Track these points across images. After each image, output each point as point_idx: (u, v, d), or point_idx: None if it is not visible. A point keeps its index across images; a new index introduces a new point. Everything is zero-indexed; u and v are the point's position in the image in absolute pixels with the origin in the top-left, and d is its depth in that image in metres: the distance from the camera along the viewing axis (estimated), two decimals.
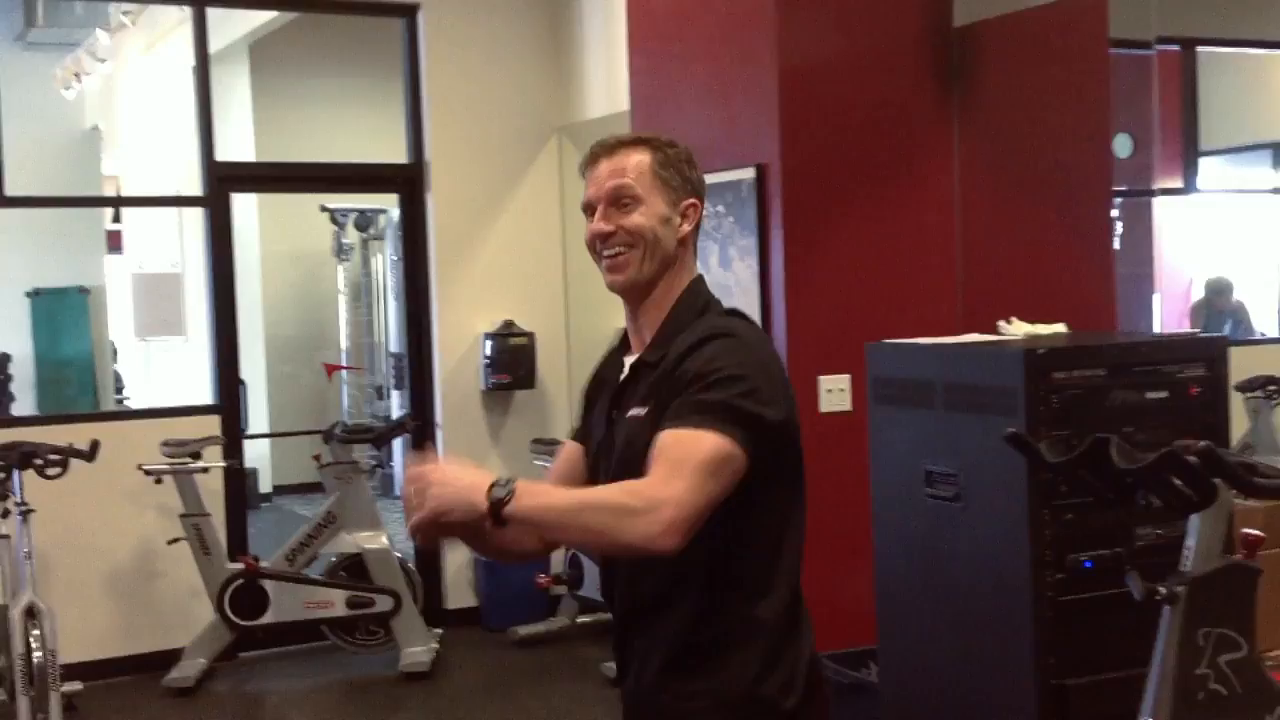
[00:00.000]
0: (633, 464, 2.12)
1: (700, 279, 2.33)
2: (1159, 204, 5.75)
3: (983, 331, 4.00)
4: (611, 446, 2.27)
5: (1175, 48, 7.95)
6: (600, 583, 2.50)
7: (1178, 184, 7.49)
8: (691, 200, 2.28)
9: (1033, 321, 3.82)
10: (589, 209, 2.28)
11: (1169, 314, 7.19)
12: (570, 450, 2.46)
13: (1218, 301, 9.33)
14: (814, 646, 2.33)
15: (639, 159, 2.25)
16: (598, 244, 2.26)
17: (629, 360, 2.31)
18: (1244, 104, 8.43)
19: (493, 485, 1.96)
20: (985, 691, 3.49)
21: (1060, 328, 3.81)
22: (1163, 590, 2.70)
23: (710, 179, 4.92)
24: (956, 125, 4.97)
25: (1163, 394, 3.40)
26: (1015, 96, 5.00)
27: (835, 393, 4.76)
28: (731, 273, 4.91)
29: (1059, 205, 5.08)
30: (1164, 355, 3.41)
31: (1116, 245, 5.05)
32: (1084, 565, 3.32)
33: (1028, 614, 3.30)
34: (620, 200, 2.23)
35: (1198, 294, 9.19)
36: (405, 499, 2.03)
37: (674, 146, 2.29)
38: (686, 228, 2.27)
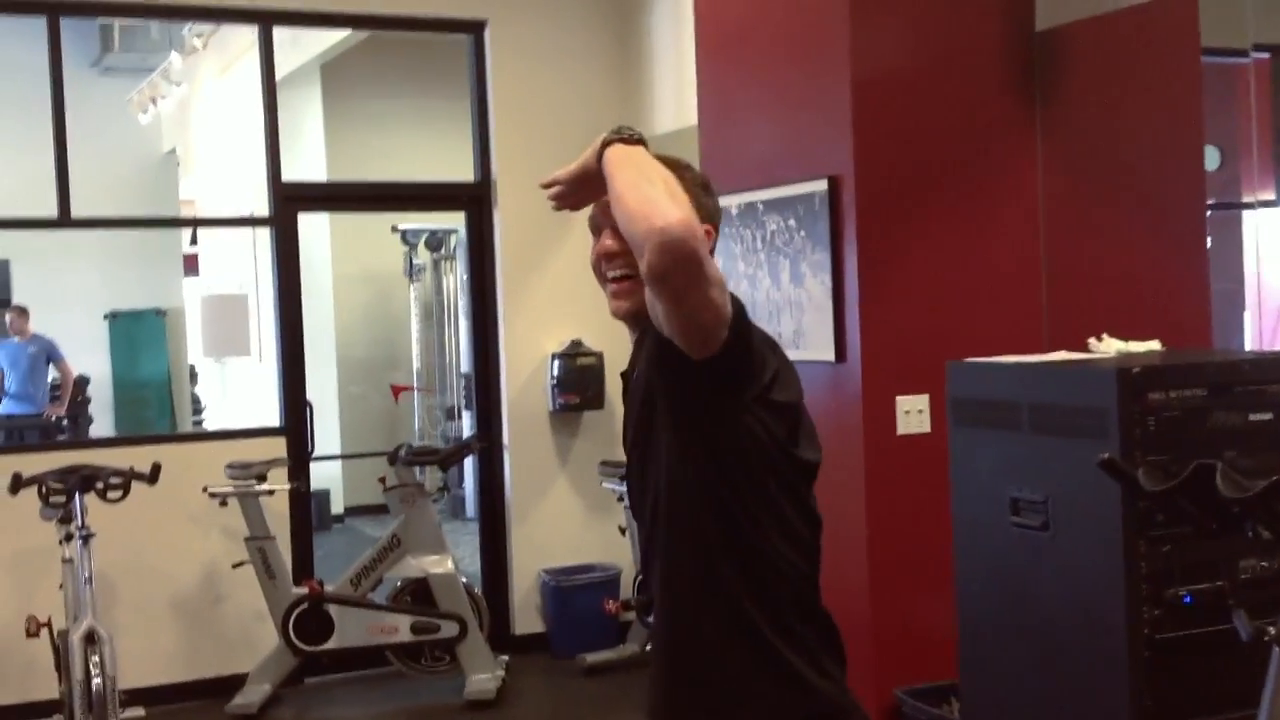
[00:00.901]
0: (629, 429, 2.19)
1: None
2: (1249, 218, 5.48)
3: (1071, 349, 3.79)
4: (628, 431, 2.24)
5: (1265, 55, 7.69)
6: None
7: (1269, 196, 7.20)
8: (705, 226, 2.10)
9: (1125, 339, 3.60)
10: (595, 229, 2.19)
11: (1262, 333, 6.86)
12: None
13: None
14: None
15: None
16: (603, 264, 2.17)
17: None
18: None
19: (609, 135, 2.03)
20: None
21: (1155, 345, 3.59)
22: (1272, 630, 2.48)
23: (780, 192, 4.81)
24: (1039, 134, 4.75)
25: (1267, 415, 3.17)
26: (1101, 104, 4.77)
27: (913, 414, 4.56)
28: (804, 289, 4.73)
29: (1149, 217, 4.84)
30: (1269, 374, 3.18)
31: None
32: (1184, 600, 3.09)
33: (1122, 652, 3.08)
34: None
35: None
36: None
37: (690, 170, 2.17)
38: None
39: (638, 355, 2.20)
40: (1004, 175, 4.73)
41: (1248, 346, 5.18)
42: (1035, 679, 3.37)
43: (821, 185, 4.61)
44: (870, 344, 4.53)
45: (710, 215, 2.18)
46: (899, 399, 4.55)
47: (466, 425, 10.78)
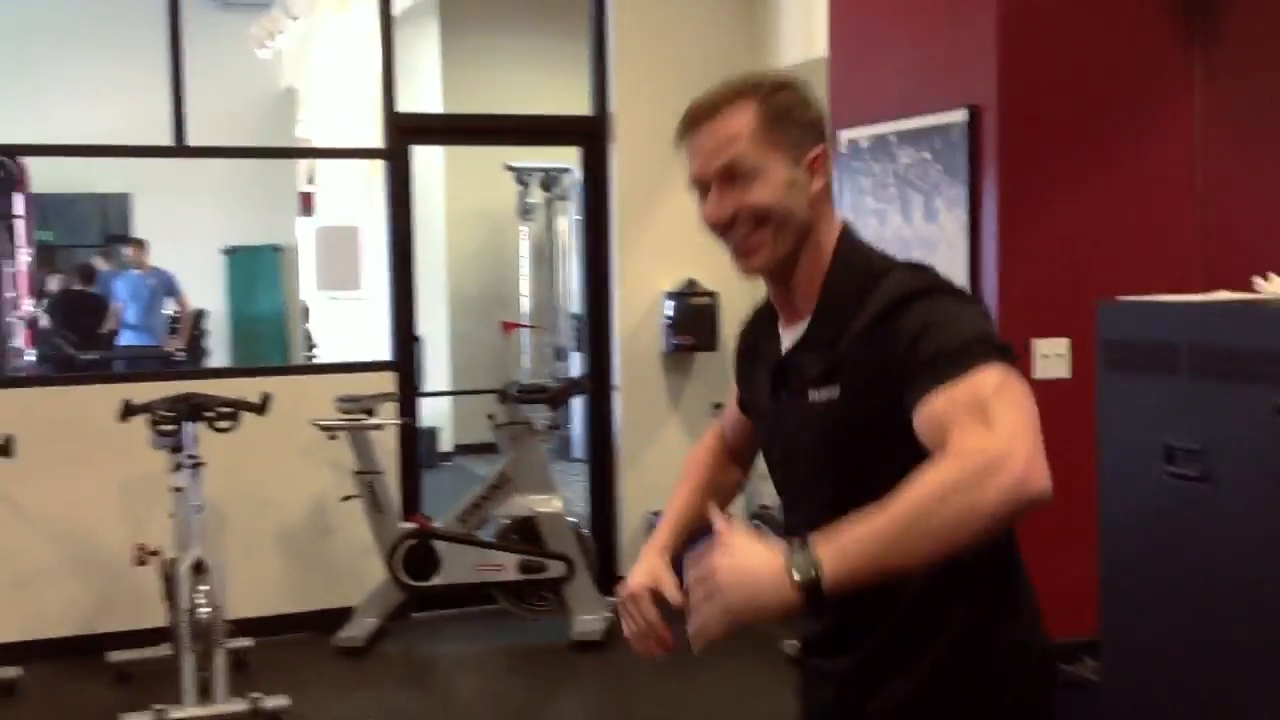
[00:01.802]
0: (815, 454, 1.90)
1: (848, 230, 1.96)
2: None
3: (1229, 289, 3.51)
4: (782, 433, 1.95)
5: None
6: None
7: None
8: (816, 150, 1.90)
9: None
10: (699, 185, 1.93)
11: None
12: (736, 417, 2.22)
13: None
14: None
15: (743, 119, 1.88)
16: (718, 230, 1.93)
17: (786, 334, 1.97)
18: None
19: (792, 568, 1.56)
20: (1233, 702, 3.02)
21: None
22: None
23: (916, 123, 4.55)
24: (1198, 62, 4.43)
25: None
26: (1264, 30, 4.45)
27: (1052, 358, 4.30)
28: (938, 225, 4.49)
29: None
30: None
31: None
32: None
33: None
34: (734, 177, 1.88)
35: None
36: (689, 598, 1.68)
37: (783, 89, 1.92)
38: (818, 184, 1.90)
39: (800, 369, 1.93)
40: (1158, 106, 4.42)
41: None
42: (1188, 640, 3.13)
43: (961, 115, 4.35)
44: (1008, 283, 4.28)
45: (819, 133, 1.92)
46: (1036, 342, 4.30)
47: (575, 366, 10.70)
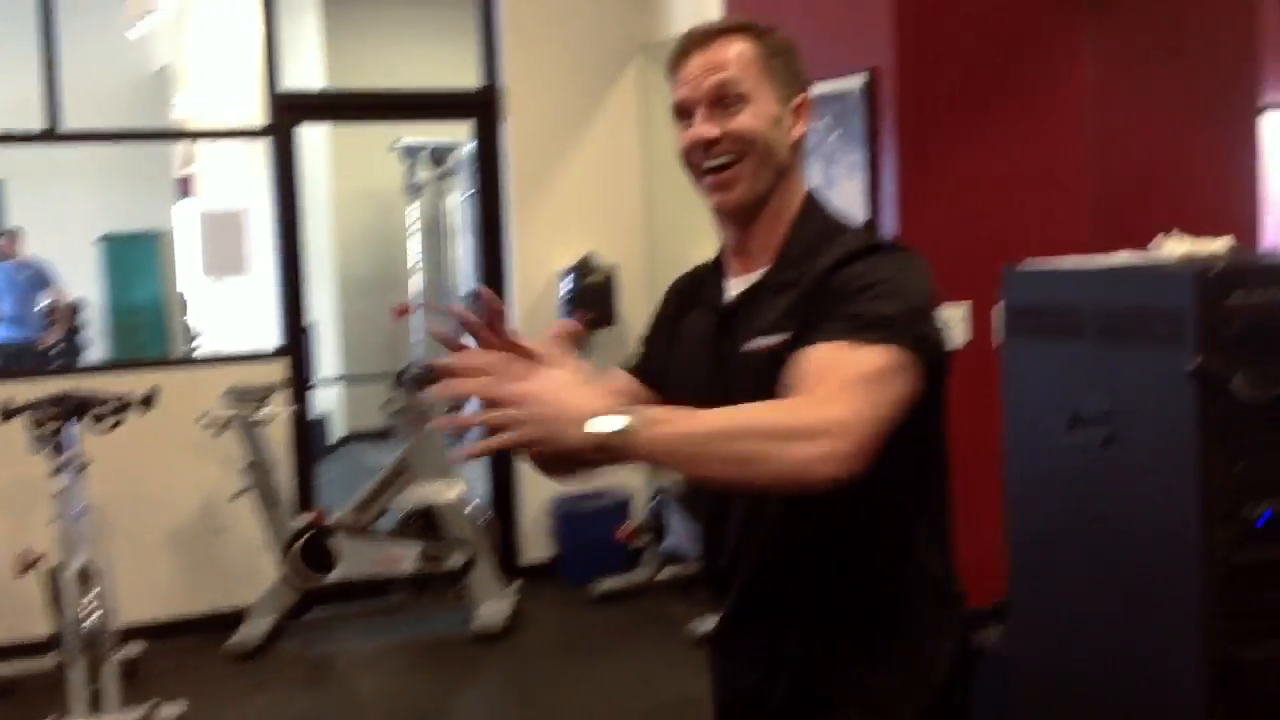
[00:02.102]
0: (751, 397, 1.74)
1: (814, 189, 1.98)
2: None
3: (1126, 250, 3.48)
4: (724, 386, 1.85)
5: None
6: (704, 553, 2.06)
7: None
8: (802, 96, 1.91)
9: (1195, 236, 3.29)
10: (683, 112, 1.89)
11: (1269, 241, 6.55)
12: (622, 383, 2.07)
13: None
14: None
15: (741, 48, 1.87)
16: (697, 154, 1.87)
17: (735, 283, 1.93)
18: None
19: (609, 415, 1.55)
20: (1140, 663, 3.00)
21: (1225, 243, 3.28)
22: None
23: (815, 90, 4.47)
24: (1089, 24, 4.41)
25: None
26: None
27: (953, 323, 4.27)
28: (837, 190, 4.42)
29: (1201, 114, 4.55)
30: None
31: None
32: (1260, 520, 2.82)
33: (1195, 575, 2.81)
34: (724, 99, 1.85)
35: None
36: (480, 407, 1.60)
37: (777, 32, 1.93)
38: (800, 129, 1.91)
39: (750, 316, 1.89)
40: (1052, 73, 4.40)
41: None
42: (1095, 604, 3.11)
43: (858, 80, 4.29)
44: None
45: (804, 81, 1.95)
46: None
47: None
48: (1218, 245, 3.30)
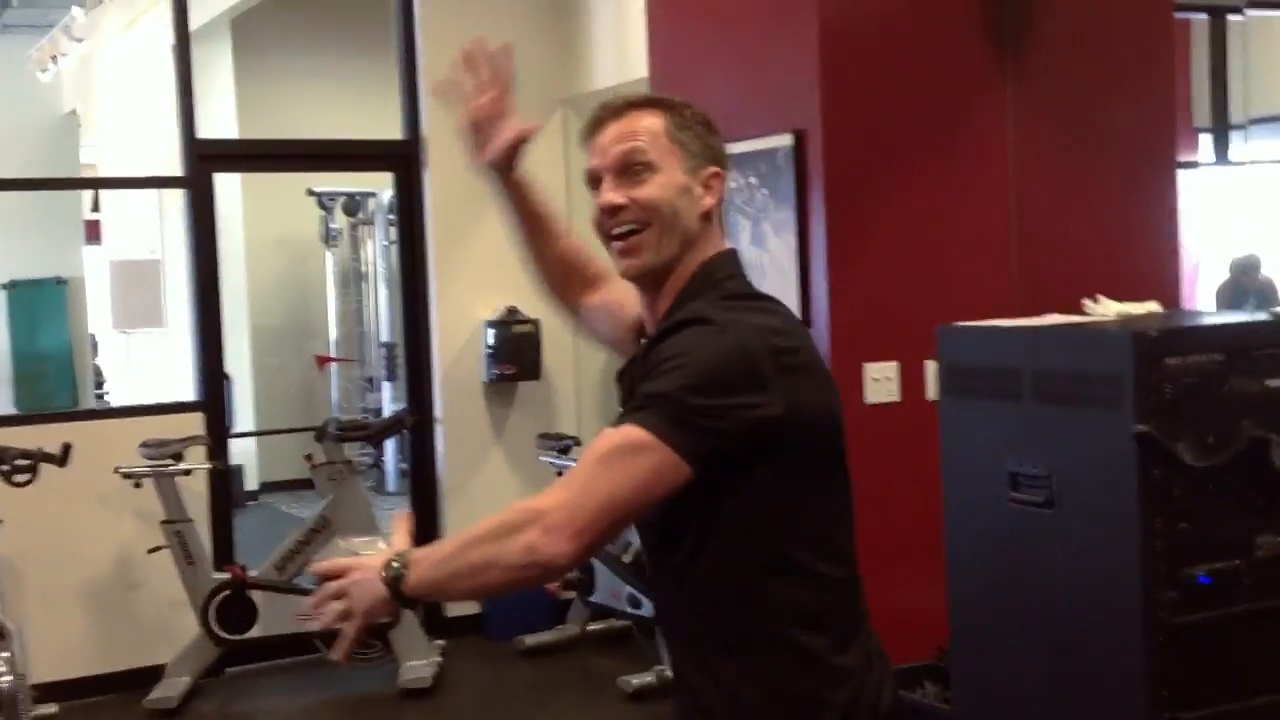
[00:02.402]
0: None
1: (726, 255, 1.98)
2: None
3: (1041, 312, 3.54)
4: None
5: (1202, 15, 7.57)
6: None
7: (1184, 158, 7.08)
8: (713, 169, 1.94)
9: (1119, 299, 3.37)
10: (594, 180, 1.94)
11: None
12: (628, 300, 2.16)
13: (1244, 280, 8.95)
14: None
15: (651, 121, 1.92)
16: (605, 220, 1.92)
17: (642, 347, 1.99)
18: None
19: (386, 564, 1.78)
20: None
21: (1154, 306, 3.37)
22: None
23: (742, 147, 4.49)
24: (1010, 89, 4.51)
25: None
26: (1072, 56, 4.57)
27: (882, 382, 4.31)
28: (766, 251, 4.46)
29: (1121, 174, 4.67)
30: None
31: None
32: (1200, 580, 2.87)
33: (1138, 638, 2.85)
34: (631, 168, 1.90)
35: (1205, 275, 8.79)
36: (318, 603, 1.85)
37: (690, 108, 1.97)
38: (709, 200, 1.94)
39: (626, 383, 1.96)
40: (975, 131, 4.48)
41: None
42: (1037, 665, 3.14)
43: (786, 139, 4.34)
44: (838, 308, 4.28)
45: (718, 156, 1.98)
46: (866, 366, 4.31)
47: (387, 397, 10.43)
48: (1148, 307, 3.39)
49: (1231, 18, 7.71)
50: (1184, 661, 2.86)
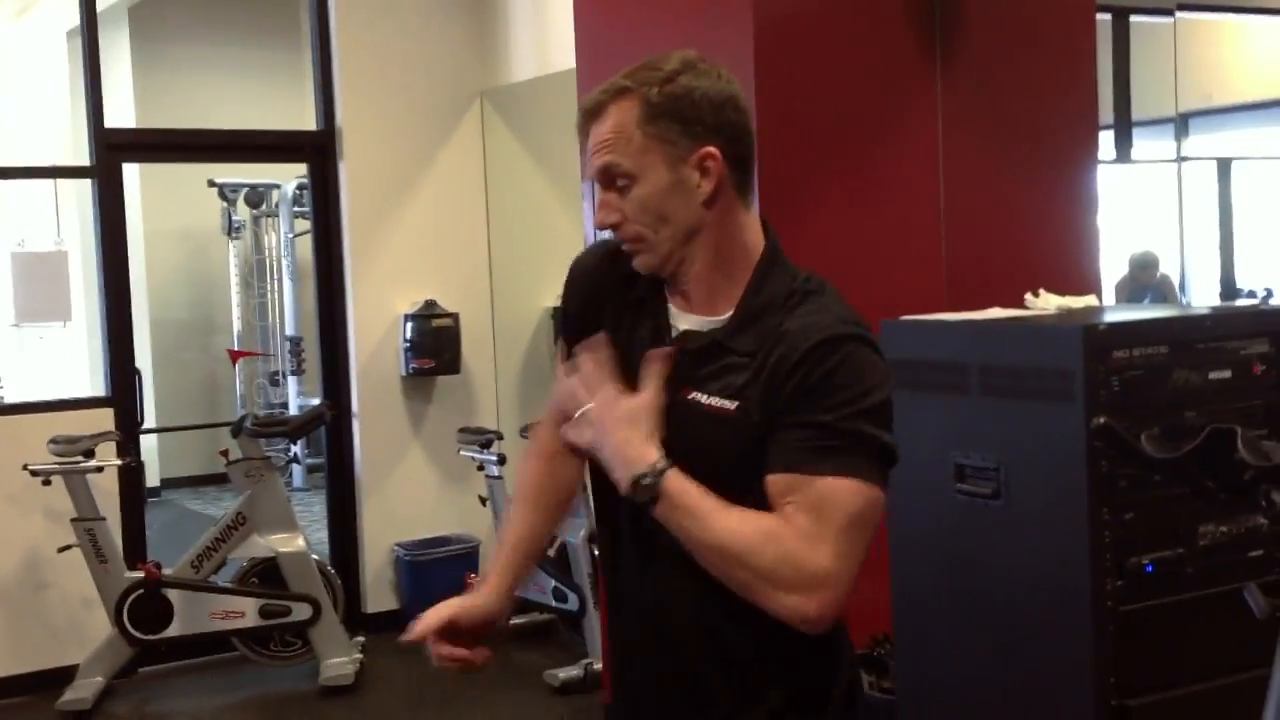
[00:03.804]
0: (707, 462, 1.77)
1: (776, 250, 1.95)
2: None
3: (973, 308, 3.58)
4: (670, 428, 1.82)
5: (1106, 15, 7.76)
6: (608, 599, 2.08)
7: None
8: (707, 148, 1.81)
9: (1061, 293, 3.43)
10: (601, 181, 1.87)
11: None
12: (561, 360, 2.03)
13: (1141, 276, 9.17)
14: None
15: (619, 118, 1.81)
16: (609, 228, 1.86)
17: (681, 315, 1.89)
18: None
19: (637, 476, 1.74)
20: (1029, 713, 3.09)
21: (1092, 300, 3.44)
22: None
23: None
24: (939, 82, 4.56)
25: (1226, 374, 3.02)
26: (999, 53, 4.64)
27: None
28: None
29: (1046, 169, 4.75)
30: (1231, 330, 3.03)
31: None
32: (1145, 569, 2.94)
33: (1085, 626, 2.90)
34: (614, 180, 1.82)
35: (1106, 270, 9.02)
36: (563, 401, 1.86)
37: (671, 80, 1.82)
38: (707, 186, 1.82)
39: (700, 368, 1.85)
40: (904, 129, 4.52)
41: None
42: (983, 655, 3.18)
43: None
44: None
45: (710, 129, 1.82)
46: None
47: (293, 392, 10.27)
48: (1088, 301, 3.45)
49: (1134, 19, 7.92)
50: (1131, 649, 2.92)
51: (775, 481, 1.74)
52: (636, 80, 1.82)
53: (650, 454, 1.75)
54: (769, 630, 1.78)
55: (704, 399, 1.81)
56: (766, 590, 1.71)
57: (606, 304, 1.97)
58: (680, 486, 1.73)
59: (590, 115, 1.84)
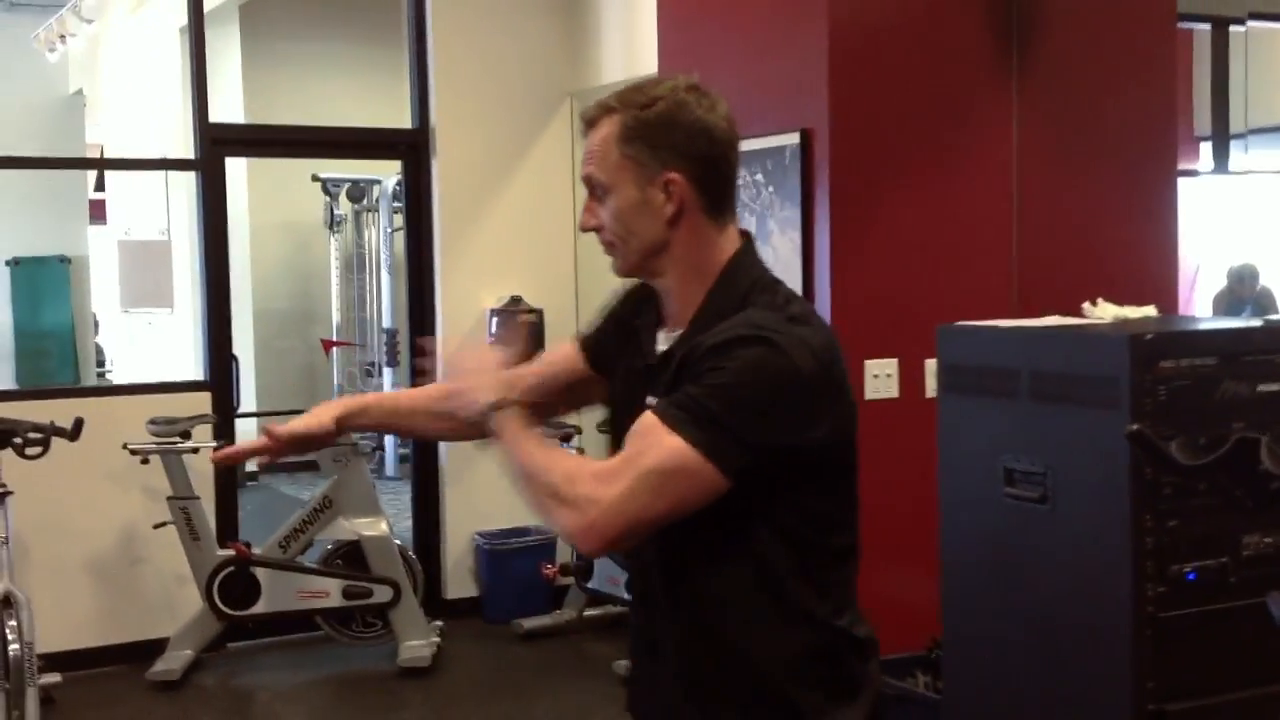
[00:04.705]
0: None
1: (744, 251, 2.01)
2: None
3: (1042, 313, 3.64)
4: (626, 426, 1.96)
5: (1205, 25, 7.67)
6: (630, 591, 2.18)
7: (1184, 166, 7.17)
8: (670, 174, 1.92)
9: (1119, 303, 3.47)
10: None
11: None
12: (567, 352, 2.24)
13: (1240, 289, 9.05)
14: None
15: (603, 134, 1.95)
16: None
17: (662, 336, 2.03)
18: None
19: (486, 409, 1.94)
20: (1070, 714, 3.14)
21: (1151, 310, 3.46)
22: None
23: (749, 145, 4.58)
24: (1015, 93, 4.60)
25: (1275, 386, 3.04)
26: (1076, 63, 4.66)
27: (882, 378, 4.41)
28: (770, 247, 4.55)
29: (1122, 180, 4.76)
30: (1278, 343, 3.05)
31: None
32: (1188, 577, 2.97)
33: (1126, 631, 2.95)
34: (594, 190, 1.97)
35: (1204, 282, 8.89)
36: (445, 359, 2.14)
37: (650, 105, 1.93)
38: (670, 209, 1.93)
39: (658, 376, 1.97)
40: (979, 134, 4.57)
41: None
42: (1028, 657, 3.24)
43: (793, 138, 4.43)
44: (840, 305, 4.37)
45: (677, 155, 1.93)
46: (867, 363, 4.40)
47: (388, 382, 10.52)
48: (1145, 311, 3.48)
49: (1234, 28, 7.81)
50: (1170, 654, 2.95)
51: (637, 420, 1.87)
52: (622, 102, 1.95)
53: (487, 396, 1.94)
54: (744, 666, 1.92)
55: (650, 401, 1.92)
56: (547, 505, 1.86)
57: (629, 339, 2.11)
58: (508, 424, 1.92)
59: (586, 125, 2.00)
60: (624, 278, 2.06)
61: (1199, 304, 8.67)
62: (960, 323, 3.48)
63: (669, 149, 1.92)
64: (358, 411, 2.31)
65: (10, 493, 5.01)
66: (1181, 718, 2.95)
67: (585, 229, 2.02)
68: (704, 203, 1.95)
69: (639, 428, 1.84)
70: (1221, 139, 8.07)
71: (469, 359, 2.07)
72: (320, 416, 2.25)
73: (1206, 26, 7.62)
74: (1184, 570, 2.96)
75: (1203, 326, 3.30)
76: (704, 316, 1.94)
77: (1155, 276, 4.74)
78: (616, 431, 2.06)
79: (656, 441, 1.81)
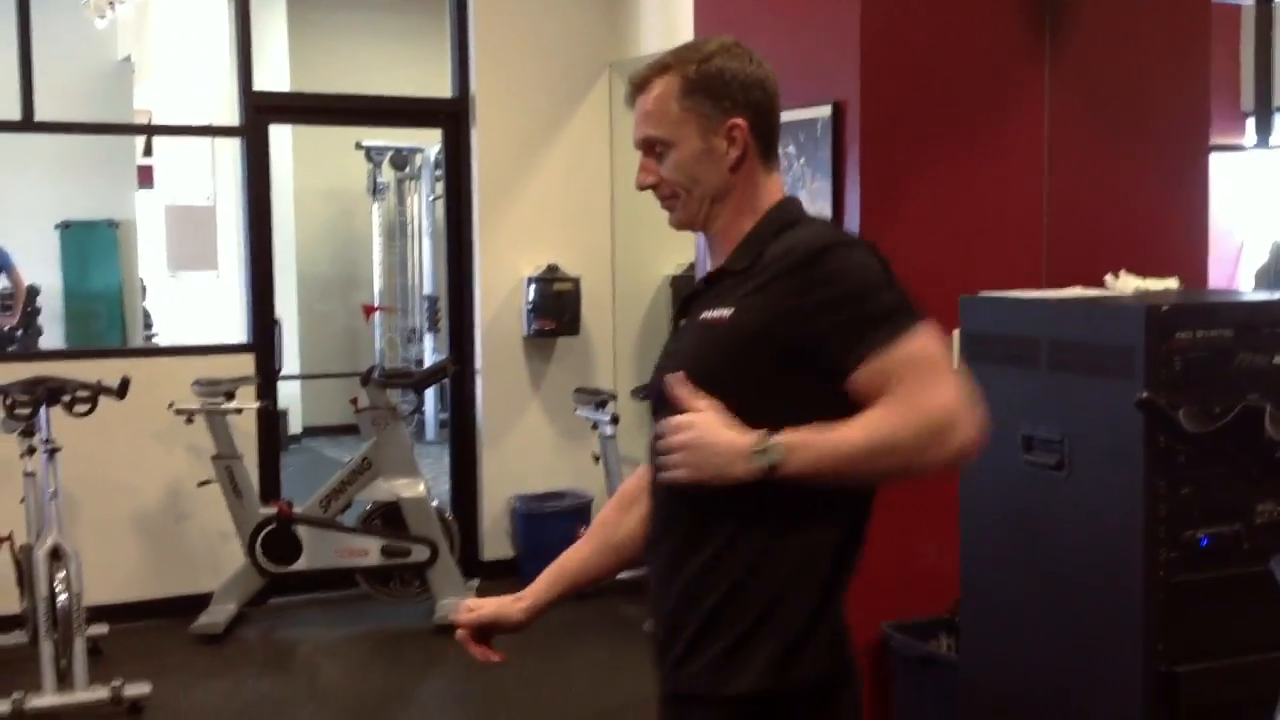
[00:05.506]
0: (700, 366, 1.95)
1: (791, 201, 2.11)
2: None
3: (1073, 285, 3.70)
4: (671, 353, 2.07)
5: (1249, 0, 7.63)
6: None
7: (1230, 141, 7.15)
8: (735, 120, 2.02)
9: (1143, 276, 3.53)
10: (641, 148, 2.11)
11: (1217, 278, 6.83)
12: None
13: None
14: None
15: (660, 92, 2.03)
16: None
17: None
18: None
19: (754, 452, 1.83)
20: (1083, 675, 3.22)
21: (1172, 283, 3.52)
22: None
23: (782, 117, 4.66)
24: (1048, 66, 4.64)
25: None
26: (1110, 37, 4.68)
27: None
28: None
29: (1153, 155, 4.78)
30: None
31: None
32: (1201, 543, 3.04)
33: (1138, 594, 3.02)
34: (653, 149, 2.04)
35: (1248, 256, 8.85)
36: (660, 445, 1.91)
37: (707, 60, 2.03)
38: (734, 154, 2.03)
39: (706, 296, 2.04)
40: (1012, 106, 4.61)
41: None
42: (1042, 618, 3.32)
43: (825, 111, 4.48)
44: None
45: (738, 104, 2.02)
46: None
47: (429, 348, 10.66)
48: (1167, 284, 3.54)
49: (1277, 3, 7.77)
50: (1181, 618, 3.03)
51: (857, 380, 1.87)
52: (678, 58, 2.05)
53: (749, 437, 1.84)
54: (736, 582, 1.97)
55: (708, 314, 2.01)
56: (916, 459, 1.83)
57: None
58: (793, 438, 1.84)
59: (637, 89, 2.07)
60: (680, 229, 2.12)
61: (1243, 279, 8.65)
62: (982, 293, 3.54)
63: (730, 99, 2.02)
64: (556, 596, 2.42)
65: (59, 449, 5.16)
66: (1191, 679, 3.02)
67: (642, 187, 2.08)
68: (759, 148, 2.06)
69: (885, 364, 1.85)
70: (1264, 114, 8.04)
71: (694, 431, 1.88)
72: (523, 614, 2.41)
73: (1251, 1, 7.59)
74: (1197, 536, 3.03)
75: (1219, 299, 3.35)
76: (750, 241, 2.04)
77: (1184, 251, 4.77)
78: (657, 370, 2.07)
79: (911, 346, 1.86)
